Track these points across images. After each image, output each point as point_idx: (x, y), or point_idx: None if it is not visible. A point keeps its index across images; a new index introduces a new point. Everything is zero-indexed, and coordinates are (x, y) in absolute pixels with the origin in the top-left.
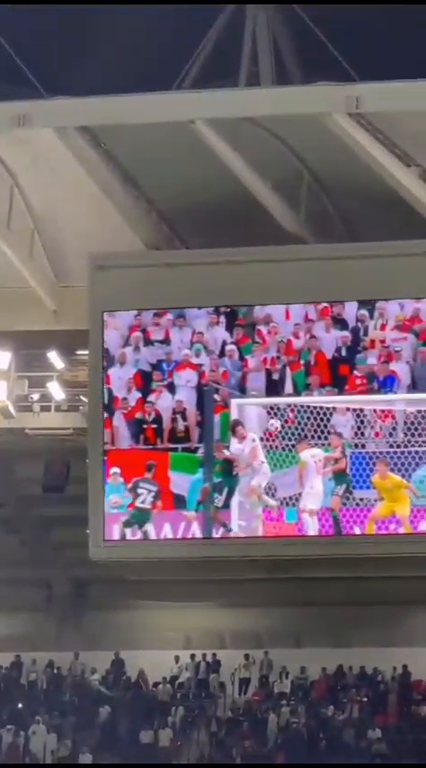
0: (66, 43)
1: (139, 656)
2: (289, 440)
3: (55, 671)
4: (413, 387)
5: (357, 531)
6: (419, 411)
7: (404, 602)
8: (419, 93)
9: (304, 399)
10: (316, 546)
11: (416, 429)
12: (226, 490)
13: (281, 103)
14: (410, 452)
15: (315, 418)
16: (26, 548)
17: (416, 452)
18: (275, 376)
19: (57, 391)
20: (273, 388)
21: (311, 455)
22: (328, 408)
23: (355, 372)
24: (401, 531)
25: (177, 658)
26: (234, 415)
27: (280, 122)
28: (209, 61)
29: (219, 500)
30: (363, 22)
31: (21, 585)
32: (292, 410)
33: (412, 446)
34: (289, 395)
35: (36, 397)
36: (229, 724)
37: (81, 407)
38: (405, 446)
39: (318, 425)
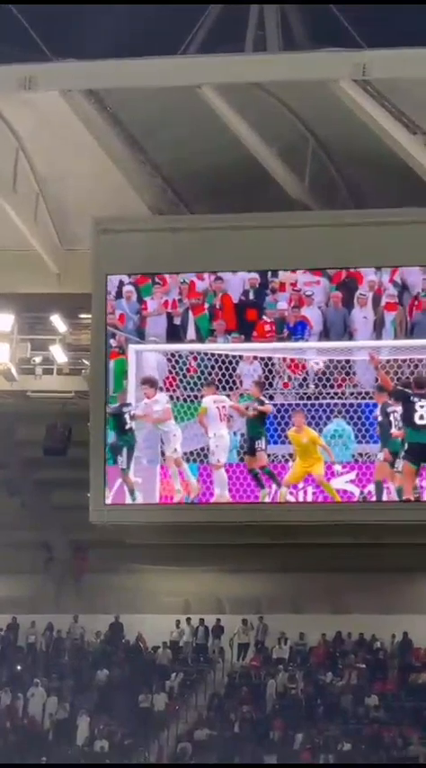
0: (73, 6)
1: (138, 620)
2: (192, 390)
3: (54, 633)
4: (325, 334)
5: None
6: (331, 360)
7: (405, 570)
8: None
9: (207, 346)
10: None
11: (328, 380)
12: (125, 450)
13: (288, 69)
14: (321, 405)
15: (220, 367)
16: (26, 510)
17: (327, 405)
18: (177, 320)
19: (59, 354)
20: (174, 333)
21: (213, 401)
22: (234, 356)
23: (264, 318)
24: (316, 491)
25: (178, 623)
26: (134, 365)
27: (287, 88)
28: (216, 26)
29: (122, 461)
30: None
31: (20, 548)
32: (195, 358)
33: (324, 398)
34: (192, 341)
35: (38, 359)
36: (228, 689)
37: (83, 371)
38: (316, 398)
39: (223, 375)
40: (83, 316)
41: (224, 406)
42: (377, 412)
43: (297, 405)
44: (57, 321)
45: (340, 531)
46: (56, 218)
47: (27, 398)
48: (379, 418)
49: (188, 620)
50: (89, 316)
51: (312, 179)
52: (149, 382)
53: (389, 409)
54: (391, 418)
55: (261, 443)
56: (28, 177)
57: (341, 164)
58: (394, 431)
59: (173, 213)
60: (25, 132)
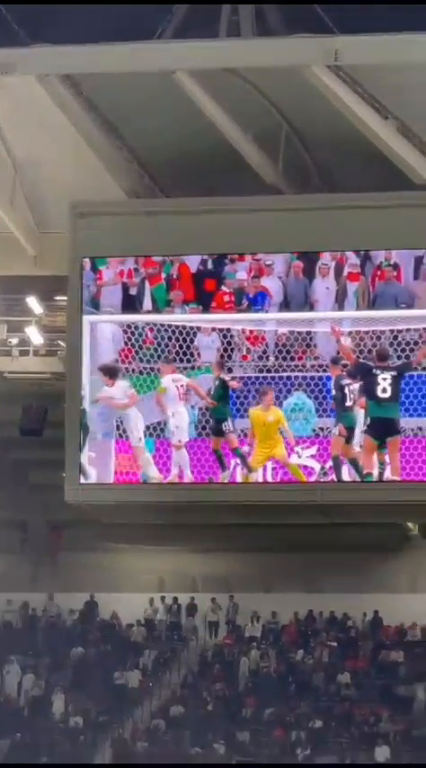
0: None
1: (113, 598)
2: (148, 362)
3: (29, 611)
4: (286, 305)
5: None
6: (291, 332)
7: (376, 549)
8: (398, 47)
9: (164, 317)
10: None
11: (288, 352)
12: (81, 431)
13: (261, 55)
14: (281, 378)
15: (177, 339)
16: (2, 490)
17: (287, 378)
18: (132, 291)
19: (35, 336)
20: (130, 304)
21: (172, 380)
22: (192, 328)
23: (222, 288)
24: (276, 466)
25: (151, 601)
26: (88, 337)
27: (261, 74)
28: (191, 11)
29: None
30: None
31: None
32: (151, 330)
33: (284, 371)
34: (148, 312)
35: (15, 341)
36: (201, 666)
37: (59, 352)
38: (276, 371)
39: (180, 347)
40: (58, 298)
41: (182, 385)
42: (331, 385)
43: (257, 378)
44: (34, 303)
45: (312, 510)
46: (32, 202)
47: (3, 379)
48: (333, 392)
49: (162, 598)
50: (64, 298)
51: (286, 164)
52: (103, 370)
53: (343, 382)
54: (346, 391)
55: (228, 424)
56: (4, 161)
57: (315, 149)
58: (348, 404)
59: (150, 197)
60: (1, 116)
